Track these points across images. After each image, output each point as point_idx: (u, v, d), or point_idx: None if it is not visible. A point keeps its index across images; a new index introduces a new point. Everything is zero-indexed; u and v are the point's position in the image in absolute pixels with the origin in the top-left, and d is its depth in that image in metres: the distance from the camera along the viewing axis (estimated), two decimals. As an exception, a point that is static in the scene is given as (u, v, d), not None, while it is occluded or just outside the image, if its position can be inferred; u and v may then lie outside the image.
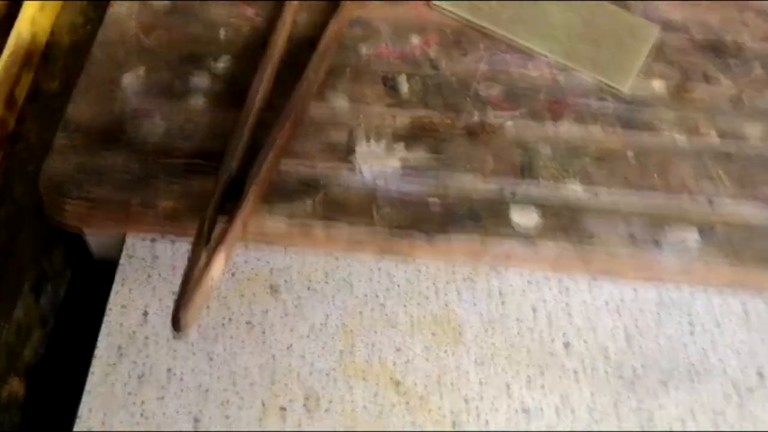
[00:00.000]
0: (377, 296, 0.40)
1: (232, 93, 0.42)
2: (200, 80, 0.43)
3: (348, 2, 0.45)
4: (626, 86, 0.44)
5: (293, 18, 0.44)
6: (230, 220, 0.36)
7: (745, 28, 0.48)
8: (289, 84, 0.42)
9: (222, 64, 0.43)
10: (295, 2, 0.45)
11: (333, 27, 0.44)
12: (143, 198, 0.38)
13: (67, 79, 0.49)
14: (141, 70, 0.43)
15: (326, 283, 0.41)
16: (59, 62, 0.50)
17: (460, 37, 0.45)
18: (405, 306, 0.40)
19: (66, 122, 0.40)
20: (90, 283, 0.46)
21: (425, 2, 0.47)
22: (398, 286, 0.41)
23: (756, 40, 0.47)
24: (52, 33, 0.50)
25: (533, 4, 0.46)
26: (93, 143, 0.40)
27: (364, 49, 0.45)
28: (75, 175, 0.38)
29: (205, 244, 0.35)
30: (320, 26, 0.45)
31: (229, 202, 0.37)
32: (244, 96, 0.41)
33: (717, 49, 0.46)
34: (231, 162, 0.38)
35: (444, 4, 0.46)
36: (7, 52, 0.48)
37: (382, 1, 0.47)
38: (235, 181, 0.38)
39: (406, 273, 0.41)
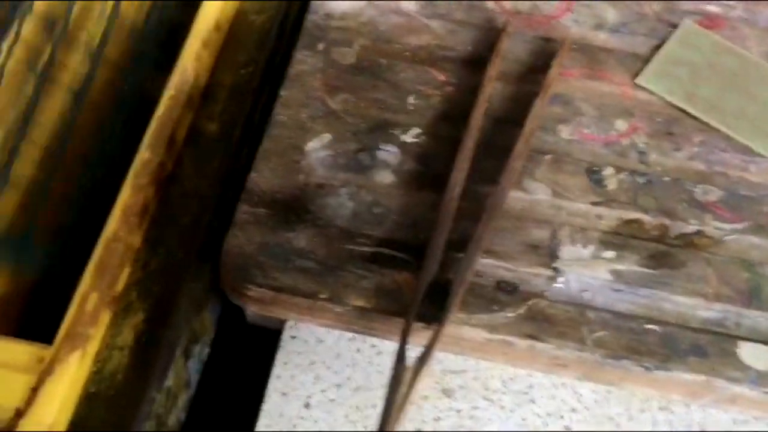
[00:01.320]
0: (562, 417, 0.37)
1: (423, 173, 0.38)
2: (389, 155, 0.39)
3: (553, 76, 0.41)
4: None
5: (491, 91, 0.40)
6: (435, 335, 0.32)
7: None
8: (487, 168, 0.38)
9: (411, 138, 0.40)
10: (494, 73, 0.41)
11: (540, 107, 0.39)
12: (332, 292, 0.35)
13: (227, 122, 0.46)
14: (326, 138, 0.39)
15: (504, 393, 0.37)
16: (219, 104, 0.47)
17: (672, 127, 0.41)
18: (594, 432, 0.36)
19: (249, 193, 0.37)
20: (234, 343, 0.43)
21: (631, 80, 0.42)
22: (586, 408, 0.37)
23: None
24: (212, 72, 0.47)
25: (760, 98, 0.41)
26: (276, 220, 0.36)
27: (564, 132, 0.40)
28: (259, 258, 0.35)
29: (403, 358, 0.32)
30: (515, 98, 0.41)
31: (426, 303, 0.34)
32: (436, 176, 0.38)
33: None
34: (434, 264, 0.34)
35: (654, 86, 0.42)
36: (170, 91, 0.45)
37: (584, 76, 0.42)
38: (435, 281, 0.34)
39: (595, 393, 0.37)
